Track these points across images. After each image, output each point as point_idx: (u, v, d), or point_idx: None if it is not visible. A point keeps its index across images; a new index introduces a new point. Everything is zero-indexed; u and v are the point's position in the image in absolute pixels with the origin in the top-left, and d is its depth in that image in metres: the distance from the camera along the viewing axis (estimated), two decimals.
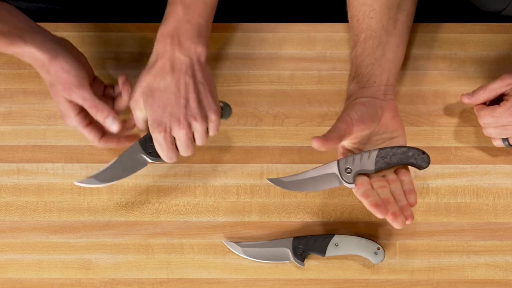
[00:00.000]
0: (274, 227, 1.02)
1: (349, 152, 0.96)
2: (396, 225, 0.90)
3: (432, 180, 1.03)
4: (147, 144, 0.94)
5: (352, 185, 0.93)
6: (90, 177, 0.95)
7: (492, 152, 1.03)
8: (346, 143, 0.95)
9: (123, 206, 1.03)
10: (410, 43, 1.07)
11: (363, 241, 0.99)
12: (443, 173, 1.03)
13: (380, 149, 0.93)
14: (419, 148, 0.93)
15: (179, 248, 1.02)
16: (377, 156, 0.92)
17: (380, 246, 0.99)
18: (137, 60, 1.06)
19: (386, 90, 0.97)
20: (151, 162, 0.95)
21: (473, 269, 1.01)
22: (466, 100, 1.00)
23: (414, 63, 1.06)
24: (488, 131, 0.99)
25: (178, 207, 1.03)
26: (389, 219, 0.90)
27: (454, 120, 1.04)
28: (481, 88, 0.98)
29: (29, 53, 0.91)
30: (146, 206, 1.03)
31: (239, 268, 1.01)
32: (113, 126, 0.93)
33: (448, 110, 1.05)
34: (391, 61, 0.97)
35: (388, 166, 0.93)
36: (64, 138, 1.04)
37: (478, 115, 0.99)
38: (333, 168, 0.94)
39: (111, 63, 1.06)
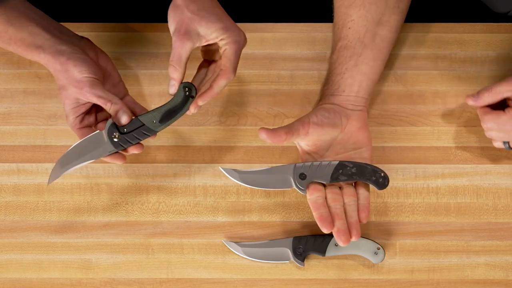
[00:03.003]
0: (274, 227, 1.02)
1: (307, 155, 0.96)
2: (340, 242, 0.92)
3: (432, 180, 1.03)
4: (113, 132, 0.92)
5: (304, 191, 0.94)
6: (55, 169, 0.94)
7: (492, 152, 1.03)
8: (304, 145, 0.96)
9: (123, 206, 1.03)
10: (410, 43, 1.07)
11: (363, 241, 0.99)
12: (443, 173, 1.03)
13: (340, 162, 0.93)
14: (380, 169, 0.93)
15: (179, 248, 1.02)
16: (335, 169, 0.92)
17: (380, 246, 0.99)
18: (137, 60, 1.06)
19: (355, 101, 0.97)
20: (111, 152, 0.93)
21: (473, 269, 1.01)
22: (470, 102, 0.97)
23: (414, 63, 1.06)
24: (490, 134, 0.98)
25: (178, 207, 1.03)
26: (334, 234, 0.93)
27: (454, 120, 1.04)
28: (486, 90, 0.95)
29: (46, 60, 0.92)
30: (146, 206, 1.03)
31: (239, 268, 1.01)
32: (123, 117, 0.91)
33: (448, 110, 1.05)
34: (364, 74, 0.97)
35: (344, 181, 0.93)
36: (64, 138, 1.04)
37: (482, 119, 0.97)
38: (289, 171, 0.94)
39: None
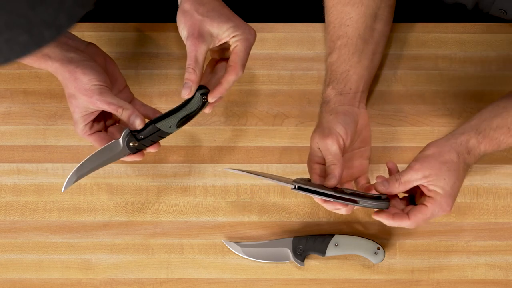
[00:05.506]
0: (274, 227, 1.02)
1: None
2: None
3: None
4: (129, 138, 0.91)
5: (293, 188, 0.92)
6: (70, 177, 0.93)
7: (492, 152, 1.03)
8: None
9: (123, 206, 1.03)
10: (410, 43, 1.07)
11: (363, 241, 0.99)
12: None
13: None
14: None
15: (179, 248, 1.02)
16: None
17: (380, 246, 0.99)
18: (137, 60, 1.06)
19: (360, 98, 0.97)
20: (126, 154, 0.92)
21: (473, 269, 1.01)
22: (381, 188, 0.89)
23: (414, 63, 1.06)
24: (417, 224, 0.90)
25: (178, 207, 1.03)
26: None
27: (454, 120, 1.04)
28: (395, 179, 0.89)
29: (54, 68, 0.91)
30: (146, 206, 1.03)
31: (239, 268, 1.01)
32: (136, 121, 0.90)
33: (448, 110, 1.05)
34: (366, 68, 0.98)
35: (335, 196, 0.90)
36: (64, 138, 1.04)
37: (410, 224, 0.88)
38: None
39: None
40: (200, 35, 0.88)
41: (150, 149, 0.93)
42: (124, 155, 0.92)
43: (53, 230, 1.02)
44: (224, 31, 0.89)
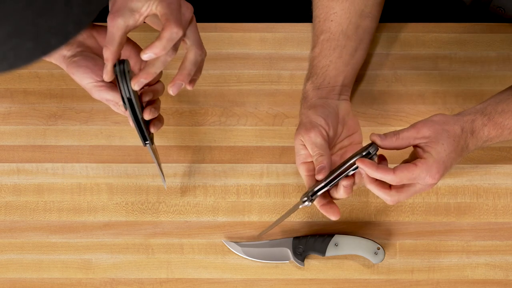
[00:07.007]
0: (274, 227, 1.02)
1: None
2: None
3: None
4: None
5: (307, 204, 0.91)
6: None
7: (492, 152, 1.03)
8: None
9: (123, 206, 1.03)
10: (410, 43, 1.07)
11: (363, 241, 0.99)
12: None
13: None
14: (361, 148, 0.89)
15: (179, 248, 1.02)
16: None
17: (380, 246, 0.99)
18: None
19: (341, 91, 0.97)
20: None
21: (473, 269, 1.01)
22: (377, 141, 0.87)
23: (414, 63, 1.06)
24: (398, 198, 0.87)
25: (178, 207, 1.03)
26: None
27: None
28: (393, 134, 0.87)
29: (57, 64, 0.91)
30: (146, 206, 1.03)
31: (239, 268, 1.01)
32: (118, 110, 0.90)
33: (448, 110, 1.05)
34: (347, 64, 0.97)
35: (334, 175, 0.89)
36: (64, 138, 1.04)
37: (392, 180, 0.85)
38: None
39: None
40: (117, 10, 0.82)
41: (153, 128, 0.91)
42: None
43: (53, 230, 1.02)
44: (143, 4, 0.82)
